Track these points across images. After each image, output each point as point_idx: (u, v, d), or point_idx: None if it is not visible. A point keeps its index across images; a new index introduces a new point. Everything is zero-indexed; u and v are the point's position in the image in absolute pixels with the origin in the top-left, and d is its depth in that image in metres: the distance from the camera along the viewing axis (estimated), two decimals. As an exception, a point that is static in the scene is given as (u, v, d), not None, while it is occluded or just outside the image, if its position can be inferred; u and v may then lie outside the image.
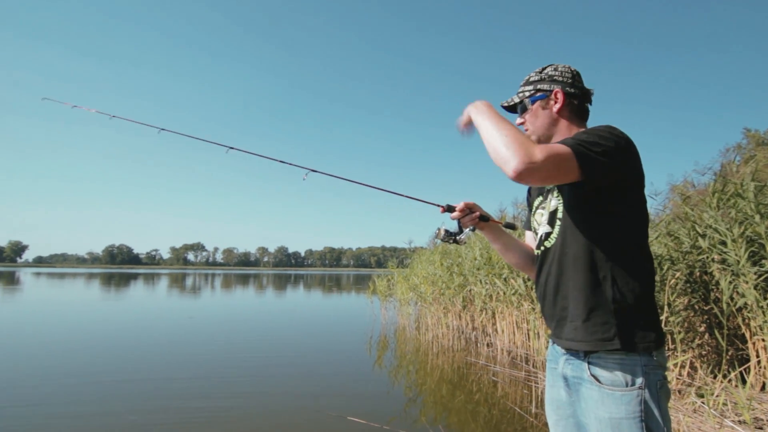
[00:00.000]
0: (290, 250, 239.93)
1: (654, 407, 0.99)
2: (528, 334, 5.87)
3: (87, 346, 6.52)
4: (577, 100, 1.22)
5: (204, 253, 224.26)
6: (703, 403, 2.95)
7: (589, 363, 1.06)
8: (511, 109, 1.32)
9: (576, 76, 1.23)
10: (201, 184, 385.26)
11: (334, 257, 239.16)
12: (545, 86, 1.23)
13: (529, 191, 1.40)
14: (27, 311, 11.33)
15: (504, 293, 6.20)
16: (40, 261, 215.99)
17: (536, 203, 1.28)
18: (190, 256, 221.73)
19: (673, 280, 3.70)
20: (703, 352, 3.74)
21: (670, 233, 4.11)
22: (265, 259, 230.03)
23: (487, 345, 6.61)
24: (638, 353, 1.02)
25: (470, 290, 7.35)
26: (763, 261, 3.21)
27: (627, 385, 1.00)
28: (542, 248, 1.20)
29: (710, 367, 3.57)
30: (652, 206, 4.91)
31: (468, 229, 1.34)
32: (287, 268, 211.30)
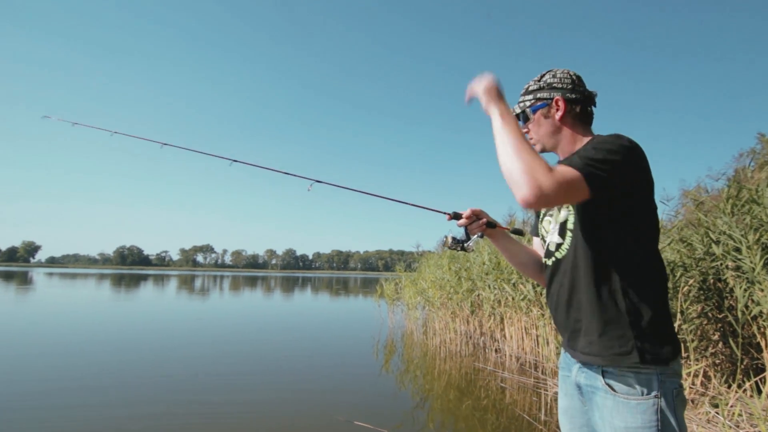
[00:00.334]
0: (298, 253, 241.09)
1: (670, 416, 0.98)
2: (537, 341, 5.80)
3: (98, 345, 6.59)
4: (579, 105, 1.20)
5: (213, 255, 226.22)
6: (717, 413, 2.89)
7: (603, 372, 1.05)
8: None
9: (576, 81, 1.21)
10: (210, 186, 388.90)
11: (341, 260, 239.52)
12: (545, 94, 1.21)
13: None
14: (41, 311, 11.49)
15: (513, 299, 6.14)
16: (52, 261, 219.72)
17: (543, 209, 1.28)
18: (199, 258, 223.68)
19: (686, 288, 3.64)
20: (717, 361, 3.67)
21: (683, 239, 4.05)
22: (273, 261, 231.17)
23: (496, 351, 6.56)
24: (655, 364, 1.00)
25: (478, 295, 7.30)
26: (780, 269, 3.15)
27: (642, 394, 0.98)
28: (553, 259, 1.19)
29: (724, 377, 3.50)
30: (664, 212, 4.84)
31: (476, 236, 1.34)
32: (295, 270, 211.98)
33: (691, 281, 3.69)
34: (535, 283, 5.73)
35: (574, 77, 1.21)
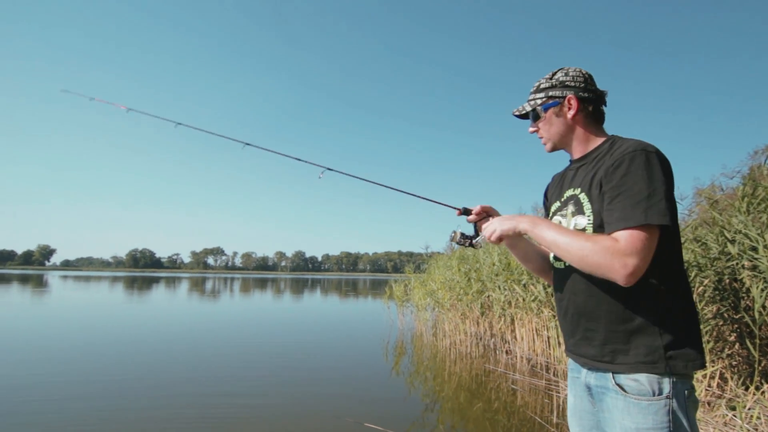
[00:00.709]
0: (307, 255, 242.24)
1: (682, 417, 0.96)
2: (548, 342, 5.75)
3: (108, 346, 6.69)
4: (591, 104, 1.18)
5: (223, 258, 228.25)
6: (734, 416, 2.83)
7: (614, 372, 1.03)
8: (523, 117, 1.29)
9: (588, 80, 1.19)
10: (219, 187, 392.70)
11: (350, 262, 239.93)
12: (557, 93, 1.19)
13: (546, 195, 1.36)
14: (57, 315, 11.69)
15: (523, 300, 6.09)
16: (67, 264, 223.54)
17: (553, 208, 1.25)
18: (210, 260, 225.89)
19: (701, 288, 3.58)
20: (734, 363, 3.60)
21: (697, 239, 3.97)
22: (283, 263, 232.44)
23: (506, 352, 6.51)
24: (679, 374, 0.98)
25: (488, 296, 7.25)
26: (798, 268, 3.07)
27: (654, 395, 0.96)
28: (566, 264, 1.14)
29: (741, 379, 3.42)
30: (678, 211, 4.76)
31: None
32: (304, 272, 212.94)
33: (706, 281, 3.63)
34: (546, 284, 5.67)
35: (586, 76, 1.20)
